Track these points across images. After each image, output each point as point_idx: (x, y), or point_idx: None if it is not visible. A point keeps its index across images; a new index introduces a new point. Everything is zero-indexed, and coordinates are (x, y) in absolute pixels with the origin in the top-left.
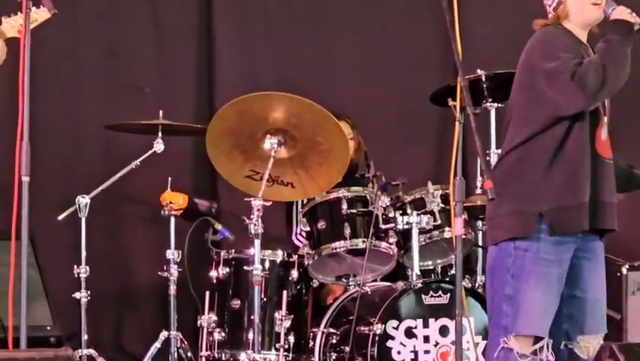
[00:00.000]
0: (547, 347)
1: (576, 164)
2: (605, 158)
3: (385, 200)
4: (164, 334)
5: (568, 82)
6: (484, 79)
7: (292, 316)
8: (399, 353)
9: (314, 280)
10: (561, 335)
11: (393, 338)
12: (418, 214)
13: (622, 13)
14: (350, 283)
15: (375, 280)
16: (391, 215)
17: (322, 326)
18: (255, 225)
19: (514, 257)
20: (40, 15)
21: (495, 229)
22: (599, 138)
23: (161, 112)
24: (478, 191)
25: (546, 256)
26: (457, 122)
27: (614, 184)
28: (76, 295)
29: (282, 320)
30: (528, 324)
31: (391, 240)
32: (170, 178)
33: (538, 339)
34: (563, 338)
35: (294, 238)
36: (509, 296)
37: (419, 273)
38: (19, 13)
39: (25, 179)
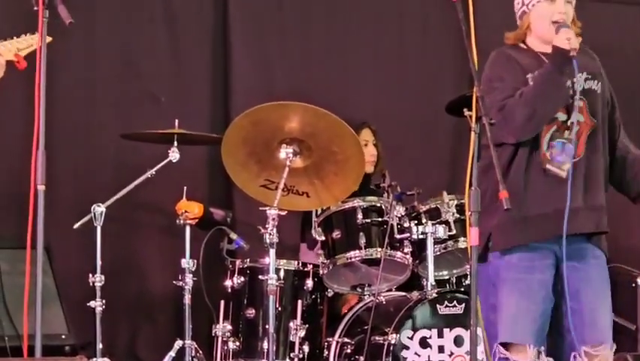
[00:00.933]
0: (539, 356)
1: (514, 181)
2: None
3: (400, 210)
4: (178, 343)
5: (496, 116)
6: None
7: (307, 325)
8: None
9: (329, 290)
10: (567, 347)
11: (407, 347)
12: (433, 224)
13: (560, 38)
14: (365, 293)
15: (390, 290)
16: (406, 225)
17: (337, 335)
18: (270, 234)
19: (491, 266)
20: (35, 40)
21: None
22: (541, 150)
23: (176, 121)
24: None
25: (519, 263)
26: (472, 132)
27: (564, 190)
28: (91, 303)
29: (297, 330)
30: (507, 332)
31: (406, 250)
32: (185, 187)
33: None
34: (567, 351)
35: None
36: (493, 305)
37: (434, 283)
38: (14, 37)
39: (41, 188)
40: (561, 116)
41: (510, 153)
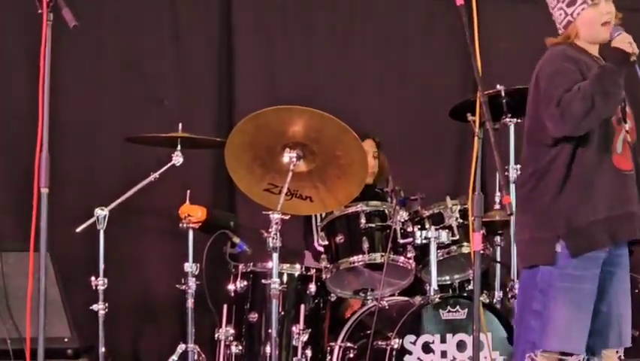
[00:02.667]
0: None
1: (584, 183)
2: (623, 170)
3: (404, 215)
4: (181, 347)
5: (553, 109)
6: (503, 94)
7: (310, 330)
8: None
9: (332, 294)
10: (586, 351)
11: (410, 352)
12: (436, 229)
13: (622, 41)
14: (368, 298)
15: (392, 295)
16: (409, 230)
17: (339, 340)
18: (274, 238)
19: (541, 274)
20: None
21: (519, 256)
22: (615, 152)
23: (180, 125)
24: (497, 206)
25: (573, 272)
26: (476, 138)
27: (638, 193)
28: (94, 307)
29: (300, 334)
30: (555, 340)
31: (409, 254)
32: (188, 191)
33: (564, 354)
34: (587, 354)
35: (316, 244)
36: (537, 312)
37: (437, 288)
38: None
39: (45, 190)
40: (622, 119)
41: (568, 153)
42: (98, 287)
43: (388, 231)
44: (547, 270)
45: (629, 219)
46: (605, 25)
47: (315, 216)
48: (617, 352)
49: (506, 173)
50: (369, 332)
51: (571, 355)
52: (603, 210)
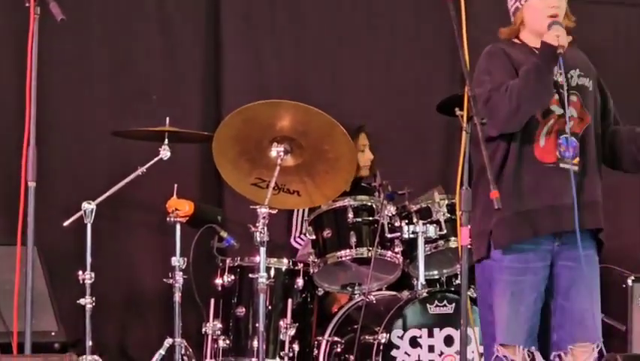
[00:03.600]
0: (533, 357)
1: (513, 176)
2: (545, 163)
3: (391, 209)
4: (168, 341)
5: (482, 107)
6: None
7: (297, 324)
8: None
9: (319, 289)
10: (551, 346)
11: (398, 347)
12: (423, 224)
13: (550, 35)
14: (355, 292)
15: (380, 289)
16: (397, 224)
17: (327, 334)
18: (261, 233)
19: (484, 268)
20: None
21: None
22: (537, 145)
23: (167, 119)
24: None
25: (511, 265)
26: (464, 132)
27: (567, 185)
28: (81, 301)
29: (287, 328)
30: (501, 333)
31: (397, 249)
32: (176, 185)
33: (509, 347)
34: (554, 349)
35: (292, 240)
36: (490, 306)
37: (424, 282)
38: None
39: (32, 184)
40: (557, 110)
41: (504, 148)
42: (85, 281)
43: (376, 225)
44: (488, 264)
45: (551, 212)
46: (552, 18)
47: (297, 212)
48: (594, 348)
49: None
50: (356, 326)
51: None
52: (526, 202)
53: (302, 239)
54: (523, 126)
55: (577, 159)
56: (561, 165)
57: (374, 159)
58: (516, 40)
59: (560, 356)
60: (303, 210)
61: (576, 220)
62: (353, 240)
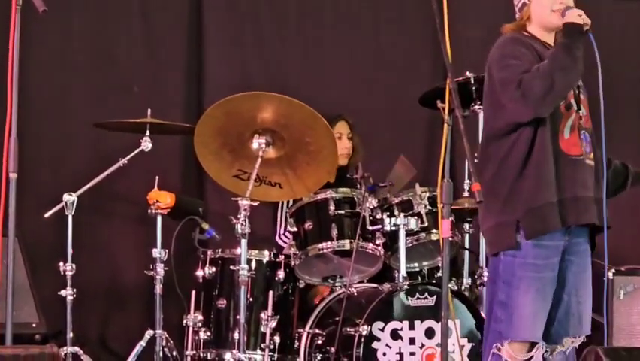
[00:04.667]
0: (541, 351)
1: (540, 166)
2: (571, 155)
3: (373, 201)
4: (149, 333)
5: (513, 91)
6: (473, 81)
7: (278, 316)
8: (384, 354)
9: (300, 281)
10: (546, 339)
11: (378, 339)
12: (405, 216)
13: (572, 15)
14: (336, 284)
15: (361, 282)
16: (379, 216)
17: (308, 326)
18: (242, 225)
19: (504, 264)
20: None
21: (486, 244)
22: (562, 137)
23: (149, 110)
24: (466, 193)
25: (535, 261)
26: (445, 125)
27: (590, 179)
28: (62, 292)
29: (268, 321)
30: (521, 330)
31: (378, 241)
32: (157, 177)
33: (532, 345)
34: (549, 342)
35: (277, 238)
36: (502, 302)
37: (406, 275)
38: None
39: (13, 176)
40: (575, 105)
41: (528, 138)
42: (66, 273)
43: (357, 218)
44: (509, 260)
45: (577, 203)
46: (555, 12)
47: (282, 209)
48: (574, 339)
49: (476, 160)
50: (337, 318)
51: (535, 344)
52: (555, 193)
53: (287, 237)
54: (549, 117)
55: (592, 155)
56: (585, 160)
57: (355, 148)
58: (526, 33)
59: (553, 348)
60: (288, 206)
61: (604, 214)
62: (334, 232)
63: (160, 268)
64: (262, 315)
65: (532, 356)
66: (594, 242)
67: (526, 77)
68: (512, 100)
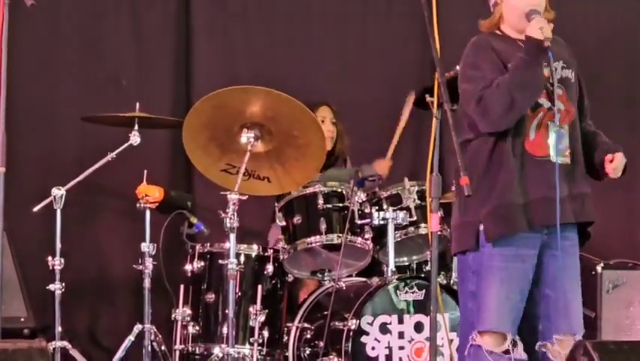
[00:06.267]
0: (516, 345)
1: (504, 168)
2: (536, 156)
3: (361, 195)
4: (138, 327)
5: (474, 106)
6: None
7: (267, 310)
8: (373, 348)
9: (289, 275)
10: (536, 336)
11: (367, 333)
12: (394, 210)
13: (533, 29)
14: (325, 279)
15: (350, 276)
16: (367, 210)
17: (297, 320)
18: (231, 219)
19: (473, 255)
20: None
21: (452, 241)
22: (527, 138)
23: (137, 104)
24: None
25: (502, 252)
26: (434, 119)
27: (554, 178)
28: (51, 287)
29: (257, 315)
30: (487, 320)
31: (367, 235)
32: (145, 171)
33: (498, 335)
34: (539, 339)
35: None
36: (472, 293)
37: (394, 269)
38: None
39: (1, 170)
40: (545, 103)
41: (493, 141)
42: (55, 267)
43: (346, 212)
44: (478, 251)
45: (544, 204)
46: (527, 14)
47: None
48: (574, 340)
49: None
50: (326, 312)
51: (505, 335)
52: (520, 194)
53: None
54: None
55: (568, 152)
56: (552, 159)
57: (340, 135)
58: (498, 32)
59: (545, 345)
60: (279, 200)
61: (557, 213)
62: (323, 226)
63: (149, 263)
64: (251, 309)
65: (508, 350)
66: (587, 237)
67: (486, 94)
68: (473, 114)
